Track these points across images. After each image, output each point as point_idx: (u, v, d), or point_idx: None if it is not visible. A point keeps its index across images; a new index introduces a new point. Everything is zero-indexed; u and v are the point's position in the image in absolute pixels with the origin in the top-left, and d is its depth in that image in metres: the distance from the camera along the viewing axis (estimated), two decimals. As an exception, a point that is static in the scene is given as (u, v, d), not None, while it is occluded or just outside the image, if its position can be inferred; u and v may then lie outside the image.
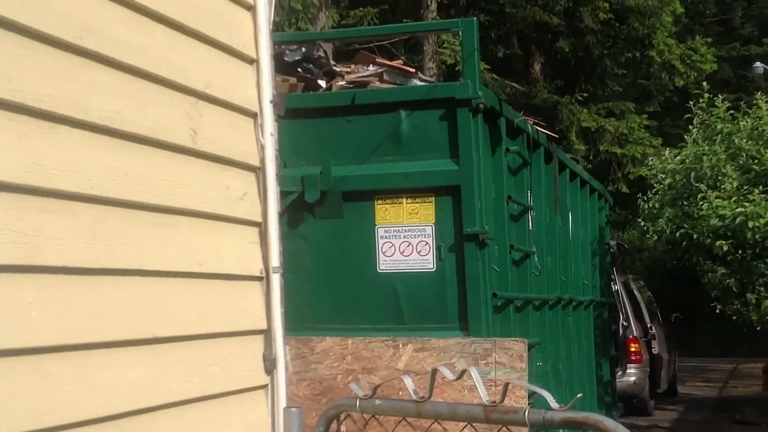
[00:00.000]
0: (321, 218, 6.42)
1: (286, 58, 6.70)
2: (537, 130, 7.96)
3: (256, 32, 4.62)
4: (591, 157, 22.63)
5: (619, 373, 13.85)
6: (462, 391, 5.94)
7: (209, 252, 4.16)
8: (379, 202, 6.36)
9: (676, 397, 17.68)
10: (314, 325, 6.39)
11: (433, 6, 18.79)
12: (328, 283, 6.42)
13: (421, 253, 6.30)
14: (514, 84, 21.51)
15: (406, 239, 6.31)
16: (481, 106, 6.20)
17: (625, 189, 23.47)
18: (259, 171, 4.65)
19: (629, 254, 18.65)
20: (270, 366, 4.62)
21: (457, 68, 17.60)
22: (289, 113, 6.46)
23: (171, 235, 3.90)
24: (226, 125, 4.38)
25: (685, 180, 12.32)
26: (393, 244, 6.32)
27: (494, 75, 20.38)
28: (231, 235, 4.37)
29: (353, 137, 6.40)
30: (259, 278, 4.60)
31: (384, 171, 6.32)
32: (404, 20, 18.62)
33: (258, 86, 4.67)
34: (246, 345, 4.45)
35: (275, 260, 4.66)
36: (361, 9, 17.57)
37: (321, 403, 6.03)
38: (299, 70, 6.73)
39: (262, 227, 4.64)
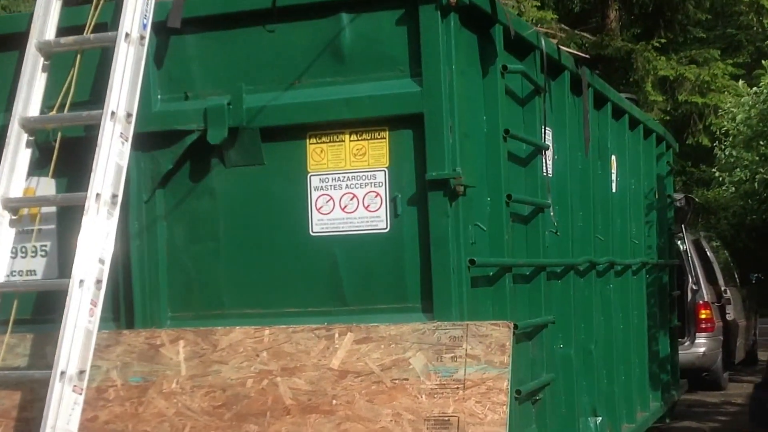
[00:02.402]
0: (233, 166, 4.54)
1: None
2: (559, 48, 5.99)
3: None
4: (669, 109, 20.22)
5: (687, 343, 11.73)
6: (418, 398, 4.12)
7: None
8: (313, 140, 4.46)
9: (756, 366, 15.44)
10: (224, 310, 4.57)
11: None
12: (242, 254, 4.56)
13: (369, 209, 4.42)
14: (585, 34, 19.16)
15: (349, 190, 4.43)
16: (453, 0, 4.32)
17: (706, 142, 20.96)
18: None
19: (700, 210, 16.35)
20: None
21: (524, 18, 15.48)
22: (190, 24, 4.56)
23: None
24: None
25: (762, 115, 9.89)
26: (331, 198, 4.44)
27: (563, 25, 18.09)
28: None
29: (276, 53, 4.49)
30: None
31: (319, 97, 4.42)
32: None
33: None
34: None
35: None
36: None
37: (224, 419, 4.25)
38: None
39: None
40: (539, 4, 15.76)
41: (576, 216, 6.37)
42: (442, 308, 4.31)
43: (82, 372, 3.95)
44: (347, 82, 4.42)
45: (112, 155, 4.14)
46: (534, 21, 14.30)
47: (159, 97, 4.58)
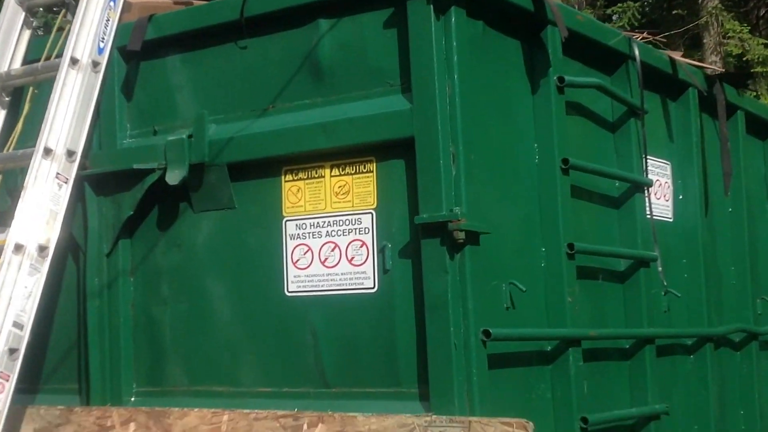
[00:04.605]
0: (202, 211, 3.53)
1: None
2: (673, 60, 4.54)
3: None
4: None
5: None
6: None
7: None
8: (289, 177, 3.39)
9: None
10: (182, 386, 3.53)
11: (715, -9, 14.53)
12: (212, 320, 3.51)
13: (353, 262, 3.27)
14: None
15: (330, 238, 3.30)
16: None
17: None
18: None
19: None
20: None
21: (744, 58, 13.45)
22: (157, 47, 3.62)
23: None
24: None
25: None
26: (310, 248, 3.33)
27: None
28: None
29: (248, 74, 3.49)
30: None
31: (293, 123, 3.35)
32: (676, 11, 14.73)
33: None
34: None
35: None
36: (620, 5, 14.12)
37: None
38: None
39: None
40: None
41: (725, 272, 4.82)
42: (440, 397, 3.03)
43: (-16, 460, 3.12)
44: (326, 103, 3.32)
45: (44, 199, 3.31)
46: (759, 59, 12.35)
47: (128, 132, 3.68)
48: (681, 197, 4.47)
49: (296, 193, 3.37)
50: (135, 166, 3.52)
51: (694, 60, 5.45)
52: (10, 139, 3.65)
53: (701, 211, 4.56)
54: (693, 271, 4.44)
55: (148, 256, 3.63)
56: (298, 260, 3.34)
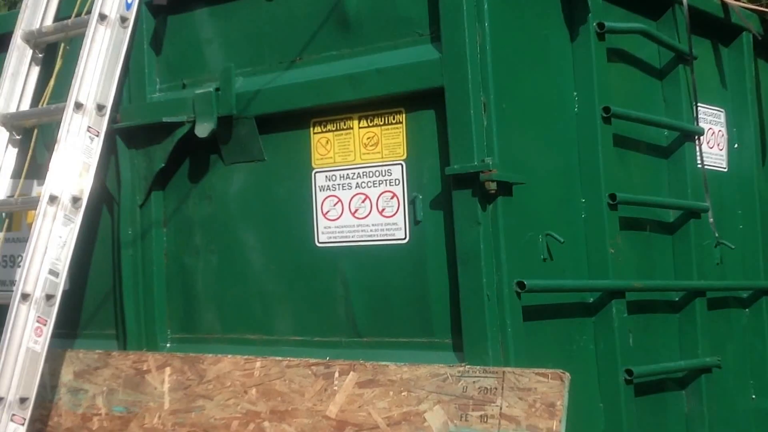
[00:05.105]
0: (232, 163, 3.53)
1: None
2: (724, 3, 4.26)
3: None
4: None
5: None
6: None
7: None
8: (317, 129, 3.37)
9: None
10: (216, 333, 3.57)
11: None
12: (244, 269, 3.53)
13: (384, 213, 3.26)
14: None
15: (360, 190, 3.28)
16: None
17: None
18: None
19: None
20: None
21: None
22: (184, 1, 3.60)
23: None
24: None
25: None
26: (340, 200, 3.33)
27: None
28: None
29: (276, 26, 3.44)
30: None
31: (320, 75, 3.31)
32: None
33: None
34: None
35: None
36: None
37: (199, 468, 3.29)
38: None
39: None
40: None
41: None
42: (474, 347, 3.01)
43: (24, 399, 3.13)
44: (354, 54, 3.27)
45: (76, 152, 3.31)
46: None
47: (157, 86, 3.68)
48: (736, 146, 4.34)
49: (325, 144, 3.35)
50: (164, 119, 3.52)
51: (760, 4, 5.23)
52: (45, 93, 3.65)
53: (758, 161, 4.42)
54: (749, 223, 4.31)
55: (181, 207, 3.64)
56: (328, 211, 3.33)
